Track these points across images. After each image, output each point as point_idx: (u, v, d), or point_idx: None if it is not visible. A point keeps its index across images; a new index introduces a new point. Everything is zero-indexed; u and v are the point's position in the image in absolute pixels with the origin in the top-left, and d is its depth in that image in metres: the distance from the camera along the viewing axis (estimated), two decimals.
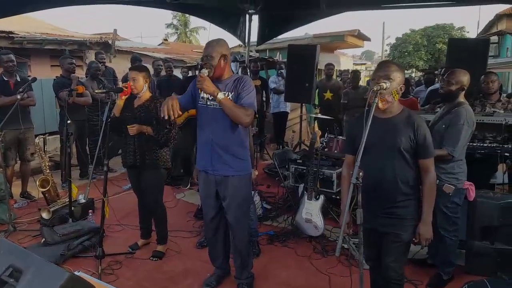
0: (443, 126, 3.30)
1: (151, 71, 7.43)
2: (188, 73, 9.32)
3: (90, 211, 4.76)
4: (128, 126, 3.71)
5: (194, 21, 38.72)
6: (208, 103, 3.12)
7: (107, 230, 4.45)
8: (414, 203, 2.60)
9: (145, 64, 7.62)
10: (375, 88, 2.46)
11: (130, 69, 3.96)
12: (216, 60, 3.04)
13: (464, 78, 3.36)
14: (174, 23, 38.98)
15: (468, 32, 31.34)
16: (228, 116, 3.01)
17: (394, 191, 2.56)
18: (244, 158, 3.21)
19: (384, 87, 2.50)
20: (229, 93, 3.05)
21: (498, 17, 22.49)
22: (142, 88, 3.79)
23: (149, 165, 3.79)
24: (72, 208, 4.62)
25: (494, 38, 20.68)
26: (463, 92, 3.40)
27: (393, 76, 2.51)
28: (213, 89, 2.94)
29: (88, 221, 4.57)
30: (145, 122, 3.73)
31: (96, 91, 5.34)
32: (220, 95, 2.95)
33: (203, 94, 3.14)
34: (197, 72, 10.05)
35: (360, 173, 2.34)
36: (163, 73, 7.67)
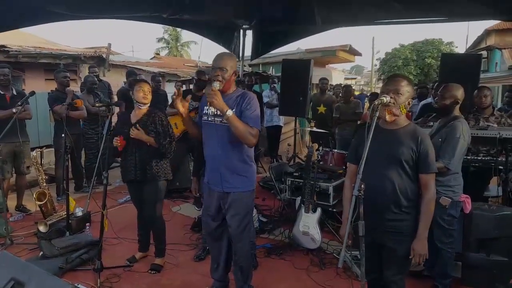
0: (440, 139, 3.36)
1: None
2: (183, 87, 9.39)
3: (87, 224, 4.75)
4: (131, 132, 3.73)
5: (186, 35, 39.02)
6: (210, 119, 3.10)
7: (104, 243, 4.39)
8: (413, 217, 2.60)
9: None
10: (376, 102, 2.52)
11: (141, 81, 4.04)
12: (229, 73, 2.99)
13: (458, 92, 3.43)
14: (165, 38, 39.16)
15: (457, 47, 31.83)
16: (234, 133, 2.94)
17: (393, 202, 2.57)
18: (247, 175, 3.17)
19: (385, 101, 2.56)
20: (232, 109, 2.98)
21: (487, 33, 22.89)
22: (149, 101, 3.88)
23: (150, 179, 3.81)
24: (70, 221, 4.59)
25: (483, 53, 21.02)
26: (458, 105, 3.47)
27: (402, 90, 2.55)
28: (222, 104, 2.85)
29: (85, 234, 4.56)
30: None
31: (97, 104, 5.36)
32: (229, 112, 2.85)
33: (206, 110, 3.13)
34: (191, 86, 10.12)
35: (362, 185, 2.39)
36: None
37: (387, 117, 2.58)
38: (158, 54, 26.68)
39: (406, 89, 2.57)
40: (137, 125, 3.75)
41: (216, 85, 2.88)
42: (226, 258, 3.48)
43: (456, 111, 3.46)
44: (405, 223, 2.60)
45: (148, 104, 3.88)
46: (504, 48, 19.07)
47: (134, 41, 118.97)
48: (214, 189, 3.20)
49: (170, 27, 31.95)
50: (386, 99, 2.54)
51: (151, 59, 21.42)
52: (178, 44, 39.39)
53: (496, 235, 3.57)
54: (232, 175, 3.11)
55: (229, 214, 3.19)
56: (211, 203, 3.27)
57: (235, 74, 3.08)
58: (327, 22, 6.21)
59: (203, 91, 5.67)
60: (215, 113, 3.04)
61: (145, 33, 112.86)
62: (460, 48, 32.37)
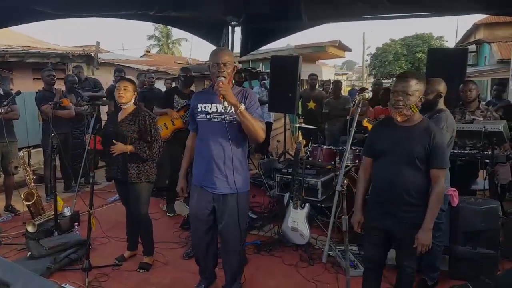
0: None
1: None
2: (172, 84, 9.34)
3: (75, 223, 4.73)
4: (110, 148, 3.71)
5: (176, 32, 38.77)
6: (209, 116, 3.01)
7: (93, 243, 4.40)
8: (423, 209, 2.66)
9: (129, 77, 7.66)
10: (357, 98, 2.54)
11: (120, 79, 3.95)
12: (231, 68, 2.92)
13: (440, 86, 3.46)
14: (156, 35, 39.05)
15: (447, 41, 32.02)
16: (245, 130, 2.87)
17: (406, 197, 2.66)
18: (243, 174, 3.11)
19: (367, 97, 2.58)
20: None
21: (476, 27, 23.05)
22: (130, 100, 3.80)
23: (132, 179, 3.77)
24: (58, 221, 4.57)
25: (472, 47, 21.15)
26: (441, 98, 3.49)
27: (411, 91, 2.57)
28: (235, 99, 2.74)
29: (74, 234, 4.54)
30: (127, 136, 3.74)
31: (81, 103, 5.30)
32: (243, 106, 2.76)
33: (202, 108, 3.04)
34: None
35: (345, 181, 2.41)
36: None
37: (398, 118, 2.63)
38: (148, 51, 26.53)
39: (416, 88, 2.59)
40: (119, 128, 3.75)
41: (223, 79, 2.79)
42: (213, 256, 3.48)
43: (441, 105, 3.48)
44: (413, 214, 2.68)
45: (131, 102, 3.82)
46: (493, 42, 19.24)
47: (125, 39, 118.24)
48: (209, 191, 3.09)
49: (161, 24, 31.71)
50: (368, 94, 2.56)
51: (141, 56, 21.36)
52: (169, 41, 39.29)
53: (482, 228, 3.62)
54: (234, 174, 3.01)
55: (227, 218, 3.09)
56: (202, 205, 3.15)
57: (234, 70, 3.01)
58: (314, 18, 6.18)
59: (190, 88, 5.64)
60: (216, 110, 2.95)
61: (136, 31, 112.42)
62: (450, 42, 32.76)
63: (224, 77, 2.83)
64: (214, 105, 3.00)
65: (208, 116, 3.03)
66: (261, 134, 2.92)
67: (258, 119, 2.92)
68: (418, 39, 31.29)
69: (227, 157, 2.99)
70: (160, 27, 36.95)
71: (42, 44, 13.51)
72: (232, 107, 2.79)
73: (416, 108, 2.61)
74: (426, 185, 2.67)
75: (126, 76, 6.46)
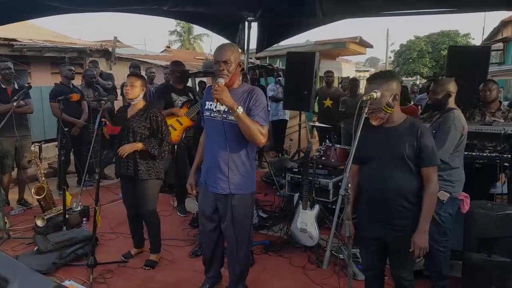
0: (433, 131, 3.28)
1: None
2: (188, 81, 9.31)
3: (84, 219, 4.73)
4: (118, 151, 3.69)
5: (197, 28, 38.67)
6: (213, 114, 2.94)
7: (101, 238, 4.43)
8: (418, 214, 2.54)
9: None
10: (364, 98, 2.43)
11: (128, 75, 3.90)
12: (234, 66, 2.80)
13: (449, 85, 3.38)
14: (178, 30, 39.07)
15: (473, 38, 31.18)
16: (243, 133, 2.79)
17: (398, 201, 2.54)
18: (248, 175, 3.01)
19: (375, 97, 2.47)
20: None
21: (503, 24, 22.41)
22: (138, 95, 3.78)
23: (142, 176, 3.75)
24: (67, 216, 4.58)
25: (499, 45, 20.60)
26: (451, 98, 3.38)
27: (380, 90, 2.46)
28: (232, 102, 2.66)
29: (82, 229, 4.56)
30: (137, 132, 3.72)
31: (86, 99, 5.28)
32: (240, 110, 2.67)
33: (208, 106, 2.97)
34: (197, 80, 10.04)
35: (349, 185, 2.32)
36: (159, 80, 7.69)
37: (374, 122, 2.54)
38: (169, 47, 26.61)
39: (386, 87, 2.49)
40: (130, 124, 3.72)
41: (222, 80, 2.72)
42: (220, 256, 3.42)
43: (451, 104, 3.38)
44: (408, 220, 2.55)
45: (139, 98, 3.79)
46: None
47: (147, 34, 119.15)
48: (211, 190, 3.04)
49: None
50: (376, 94, 2.45)
51: (161, 52, 21.42)
52: (191, 36, 39.28)
53: (498, 235, 3.45)
54: (235, 175, 2.94)
55: (228, 218, 3.02)
56: (207, 204, 3.12)
57: (240, 66, 2.88)
58: (332, 14, 6.07)
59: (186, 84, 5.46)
60: (219, 109, 2.85)
61: (158, 26, 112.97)
62: (477, 39, 31.79)
63: (225, 76, 2.76)
64: (218, 103, 2.92)
65: (212, 115, 2.97)
66: (260, 139, 2.82)
67: (259, 122, 2.81)
68: (444, 36, 30.56)
69: (228, 157, 2.91)
70: (181, 22, 36.96)
71: (64, 38, 13.65)
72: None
73: (389, 108, 2.49)
74: (418, 186, 2.55)
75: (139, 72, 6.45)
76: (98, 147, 3.60)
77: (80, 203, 4.87)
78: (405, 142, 2.50)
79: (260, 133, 2.80)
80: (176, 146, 5.08)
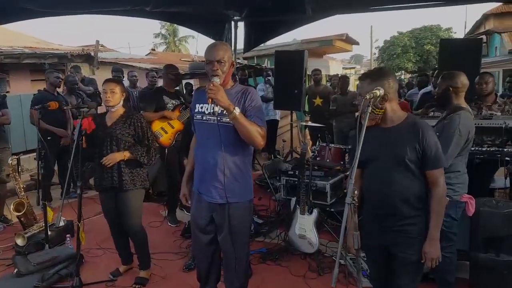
0: (437, 133, 3.08)
1: (127, 83, 7.22)
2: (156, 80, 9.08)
3: (68, 235, 4.44)
4: (103, 160, 3.45)
5: (183, 30, 38.41)
6: (205, 118, 2.72)
7: (86, 255, 4.18)
8: (424, 219, 2.36)
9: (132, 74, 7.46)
10: (367, 96, 2.23)
11: (105, 81, 3.63)
12: (228, 66, 2.62)
13: (451, 79, 3.15)
14: (163, 33, 38.85)
15: (455, 32, 31.80)
16: (241, 135, 2.58)
17: (402, 206, 2.34)
18: (244, 182, 2.78)
19: (378, 94, 2.28)
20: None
21: (486, 17, 22.75)
22: (119, 102, 3.56)
23: (127, 186, 3.52)
24: (49, 232, 4.29)
25: (482, 38, 20.84)
26: (456, 93, 3.16)
27: (365, 93, 2.27)
28: (228, 102, 2.45)
29: (65, 247, 4.28)
30: (121, 140, 3.49)
31: (64, 107, 5.00)
32: (237, 110, 2.47)
33: (199, 109, 2.76)
34: (183, 82, 9.79)
35: (356, 192, 2.12)
36: (139, 84, 7.48)
37: (367, 123, 2.28)
38: (154, 50, 26.29)
39: (368, 90, 2.27)
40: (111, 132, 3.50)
41: (217, 79, 2.52)
42: (217, 270, 3.17)
43: (458, 100, 3.17)
44: (415, 226, 2.36)
45: (120, 105, 3.58)
46: (504, 32, 18.89)
47: (132, 37, 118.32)
48: (206, 200, 2.80)
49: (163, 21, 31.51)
50: (379, 91, 2.25)
51: (146, 55, 21.12)
52: (176, 39, 39.08)
53: (506, 233, 3.31)
54: (231, 183, 2.71)
55: (225, 229, 2.77)
56: (201, 214, 2.86)
57: (233, 66, 2.70)
58: (319, 10, 5.91)
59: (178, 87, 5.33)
60: (212, 111, 2.61)
61: (142, 29, 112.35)
62: (459, 33, 32.29)
63: (219, 76, 2.56)
64: (210, 106, 2.67)
65: (204, 118, 2.74)
66: (259, 141, 2.61)
67: (257, 123, 2.61)
68: (426, 31, 31.11)
69: (223, 163, 2.67)
70: (166, 24, 36.68)
71: (46, 44, 13.29)
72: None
73: (379, 110, 2.31)
74: (422, 190, 2.36)
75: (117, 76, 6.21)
76: (79, 158, 3.35)
77: (63, 218, 4.58)
78: (406, 144, 2.30)
79: (259, 134, 2.59)
80: (166, 150, 4.92)
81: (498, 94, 5.57)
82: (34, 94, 5.91)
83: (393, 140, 2.34)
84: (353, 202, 2.11)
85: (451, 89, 3.15)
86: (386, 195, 2.35)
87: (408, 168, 2.31)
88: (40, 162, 4.19)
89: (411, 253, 2.36)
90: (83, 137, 3.40)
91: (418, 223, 2.35)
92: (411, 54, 30.85)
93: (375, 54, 36.79)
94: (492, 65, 16.41)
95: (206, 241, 2.92)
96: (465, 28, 30.29)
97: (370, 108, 2.23)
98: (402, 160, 2.30)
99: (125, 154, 3.48)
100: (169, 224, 5.19)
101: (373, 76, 2.36)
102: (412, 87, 9.93)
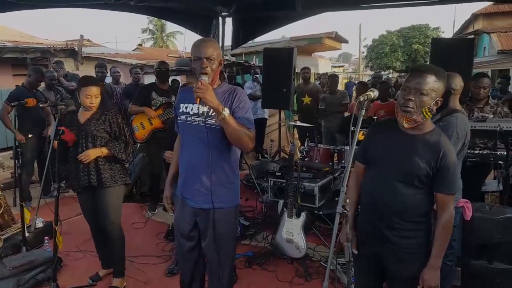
0: None
1: (109, 79, 7.05)
2: (140, 75, 8.93)
3: (46, 237, 4.25)
4: (79, 157, 3.29)
5: (171, 25, 38.12)
6: (189, 118, 2.55)
7: (65, 259, 4.01)
8: (424, 234, 2.19)
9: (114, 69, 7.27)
10: (361, 99, 2.10)
11: (86, 84, 3.37)
12: (217, 64, 2.46)
13: (452, 81, 3.01)
14: (150, 28, 38.54)
15: (443, 32, 32.00)
16: (229, 137, 2.42)
17: (402, 217, 2.16)
18: (231, 186, 2.63)
19: (372, 96, 2.15)
20: None
21: (474, 17, 22.84)
22: (99, 103, 3.44)
23: (107, 183, 3.37)
24: (26, 234, 4.11)
25: (475, 38, 20.99)
26: (453, 96, 3.07)
27: (427, 90, 2.04)
28: (217, 102, 2.28)
29: (43, 250, 4.08)
30: (97, 137, 3.35)
31: (40, 105, 4.80)
32: (226, 111, 2.30)
33: (183, 109, 2.60)
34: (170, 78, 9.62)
35: (347, 200, 1.99)
36: (124, 80, 7.31)
37: (405, 124, 2.11)
38: (141, 45, 25.96)
39: (432, 87, 2.05)
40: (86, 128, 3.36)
41: (206, 78, 2.34)
42: (200, 277, 3.03)
43: (454, 104, 3.07)
44: (413, 240, 2.19)
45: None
46: (493, 32, 18.94)
47: (119, 32, 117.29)
48: (190, 204, 2.65)
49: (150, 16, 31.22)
50: (373, 93, 2.13)
51: (133, 50, 20.82)
52: (164, 34, 38.78)
53: (499, 240, 3.20)
54: (217, 187, 2.55)
55: (210, 236, 2.62)
56: (184, 219, 2.71)
57: (221, 65, 2.54)
58: (309, 7, 5.78)
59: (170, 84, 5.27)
60: (197, 112, 2.47)
61: (130, 24, 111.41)
62: (447, 33, 32.52)
63: (207, 74, 2.38)
64: (196, 106, 2.51)
65: (188, 119, 2.57)
66: (248, 144, 2.45)
67: (246, 125, 2.46)
68: (415, 30, 31.24)
69: (209, 167, 2.50)
70: (154, 20, 36.36)
71: (30, 38, 12.95)
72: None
73: (429, 113, 2.09)
74: (426, 205, 2.17)
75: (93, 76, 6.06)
76: (56, 157, 3.18)
77: (42, 219, 4.39)
78: (422, 156, 2.10)
79: (248, 137, 2.43)
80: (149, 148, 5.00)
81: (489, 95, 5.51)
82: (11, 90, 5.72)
83: (410, 148, 2.14)
84: (345, 211, 1.99)
85: (452, 91, 3.03)
86: (386, 202, 2.17)
87: (416, 183, 2.13)
88: (17, 161, 4.00)
89: (405, 269, 2.20)
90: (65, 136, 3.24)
91: (417, 237, 2.19)
92: (399, 53, 30.98)
93: (363, 52, 36.87)
94: (481, 65, 16.47)
95: (189, 247, 2.77)
96: (453, 27, 30.51)
97: (364, 111, 2.11)
98: (413, 174, 2.11)
99: (103, 151, 3.34)
100: (148, 212, 5.22)
101: (438, 75, 2.09)
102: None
